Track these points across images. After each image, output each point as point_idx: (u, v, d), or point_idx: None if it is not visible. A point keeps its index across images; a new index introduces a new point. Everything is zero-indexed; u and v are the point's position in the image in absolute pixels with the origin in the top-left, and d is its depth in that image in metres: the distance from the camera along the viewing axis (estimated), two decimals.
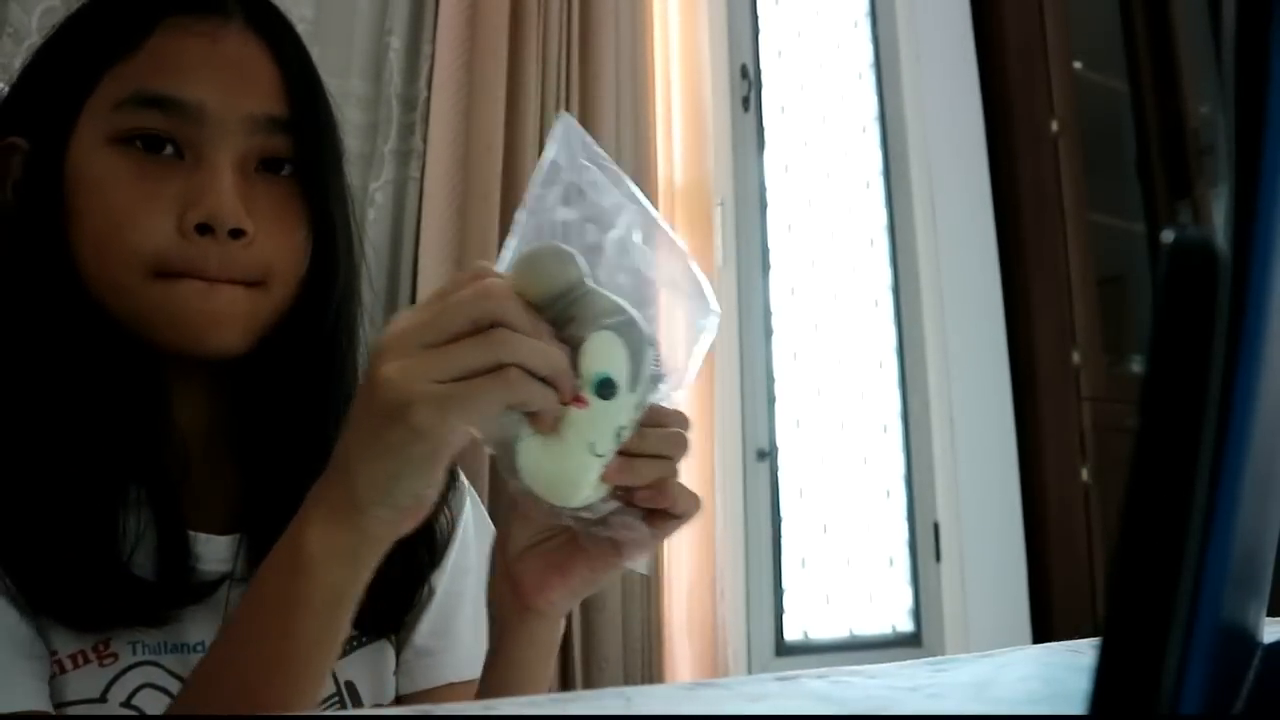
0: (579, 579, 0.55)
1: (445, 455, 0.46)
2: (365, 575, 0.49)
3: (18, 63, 1.20)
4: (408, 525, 0.49)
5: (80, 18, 0.64)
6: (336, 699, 0.64)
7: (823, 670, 0.31)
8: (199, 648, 0.59)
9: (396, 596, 0.67)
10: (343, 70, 1.57)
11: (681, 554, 1.78)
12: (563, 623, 0.60)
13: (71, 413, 0.58)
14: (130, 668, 0.57)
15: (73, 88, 0.61)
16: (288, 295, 0.63)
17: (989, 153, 2.27)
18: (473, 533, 0.73)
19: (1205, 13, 2.41)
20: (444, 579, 0.70)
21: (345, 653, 0.65)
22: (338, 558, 0.48)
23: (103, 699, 0.56)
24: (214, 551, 0.62)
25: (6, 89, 0.66)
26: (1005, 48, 2.32)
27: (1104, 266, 2.22)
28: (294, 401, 0.65)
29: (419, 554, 0.67)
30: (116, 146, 0.59)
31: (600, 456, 0.47)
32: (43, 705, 0.54)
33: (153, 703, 0.57)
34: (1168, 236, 0.18)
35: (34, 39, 1.22)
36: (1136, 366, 2.32)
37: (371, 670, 0.67)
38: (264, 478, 0.64)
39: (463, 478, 0.74)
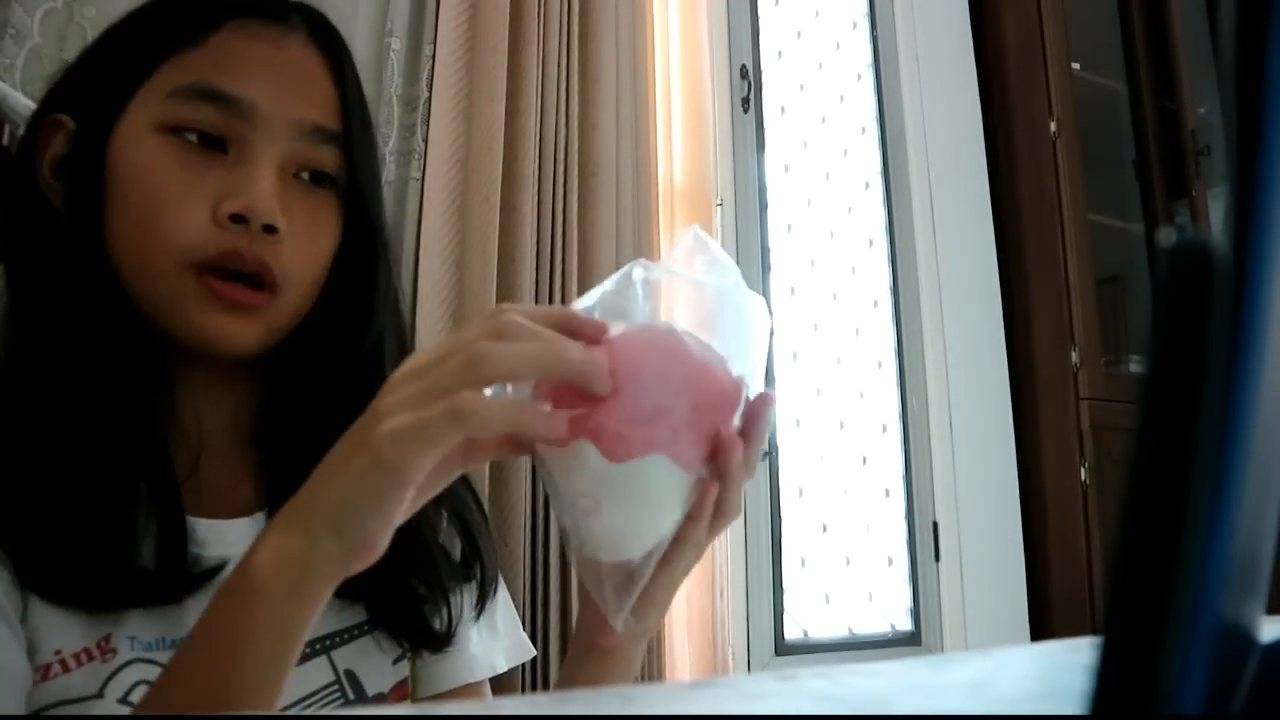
0: (663, 600, 0.53)
1: (401, 495, 0.45)
2: (311, 612, 0.47)
3: (20, 64, 1.20)
4: (354, 565, 0.46)
5: (146, 9, 0.65)
6: (336, 687, 0.63)
7: (822, 669, 0.31)
8: None
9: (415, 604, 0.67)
10: None
11: None
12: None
13: (84, 396, 0.59)
14: (128, 664, 0.57)
15: (129, 71, 0.62)
16: (304, 303, 0.64)
17: (988, 153, 2.28)
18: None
19: (1203, 13, 2.41)
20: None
21: (345, 641, 0.65)
22: (284, 588, 0.46)
23: (100, 695, 0.56)
24: (231, 535, 0.62)
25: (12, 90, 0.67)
26: (1004, 49, 2.32)
27: (1102, 266, 2.22)
28: (326, 397, 0.65)
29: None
30: (164, 134, 0.60)
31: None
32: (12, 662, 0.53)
33: None
34: (1166, 237, 0.18)
35: (35, 40, 1.22)
36: (1135, 366, 2.32)
37: (371, 659, 0.66)
38: (284, 469, 0.64)
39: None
